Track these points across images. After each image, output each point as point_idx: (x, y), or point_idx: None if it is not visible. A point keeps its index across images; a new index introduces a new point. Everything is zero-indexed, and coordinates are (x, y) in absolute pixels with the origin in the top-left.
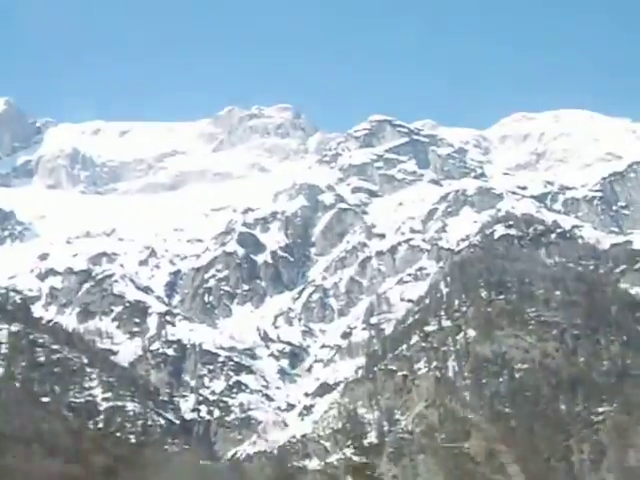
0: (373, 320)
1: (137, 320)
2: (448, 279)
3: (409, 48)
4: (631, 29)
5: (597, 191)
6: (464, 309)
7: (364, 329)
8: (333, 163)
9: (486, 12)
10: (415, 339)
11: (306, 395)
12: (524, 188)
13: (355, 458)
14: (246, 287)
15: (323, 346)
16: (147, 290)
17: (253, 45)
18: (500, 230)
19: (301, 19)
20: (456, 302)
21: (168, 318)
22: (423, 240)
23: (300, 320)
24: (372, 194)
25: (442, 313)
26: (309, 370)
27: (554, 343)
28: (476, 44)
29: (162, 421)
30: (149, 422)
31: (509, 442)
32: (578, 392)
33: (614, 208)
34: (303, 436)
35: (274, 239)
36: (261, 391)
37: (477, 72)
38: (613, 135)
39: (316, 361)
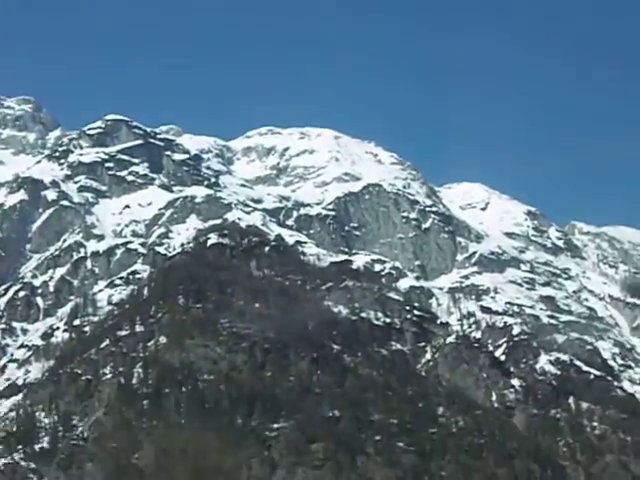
0: (76, 322)
1: None
2: (153, 284)
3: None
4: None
5: (331, 210)
6: (160, 315)
7: (66, 330)
8: (63, 160)
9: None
10: (106, 343)
11: None
12: (259, 201)
13: (23, 464)
14: None
15: (21, 346)
16: None
17: None
18: (213, 238)
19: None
20: (153, 308)
21: None
22: (141, 244)
23: (2, 318)
24: (100, 194)
25: (138, 318)
26: (2, 370)
27: (243, 356)
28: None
29: None
30: None
31: (179, 455)
32: (257, 407)
33: (346, 228)
34: None
35: None
36: None
37: (227, 82)
38: (355, 157)
39: (10, 361)
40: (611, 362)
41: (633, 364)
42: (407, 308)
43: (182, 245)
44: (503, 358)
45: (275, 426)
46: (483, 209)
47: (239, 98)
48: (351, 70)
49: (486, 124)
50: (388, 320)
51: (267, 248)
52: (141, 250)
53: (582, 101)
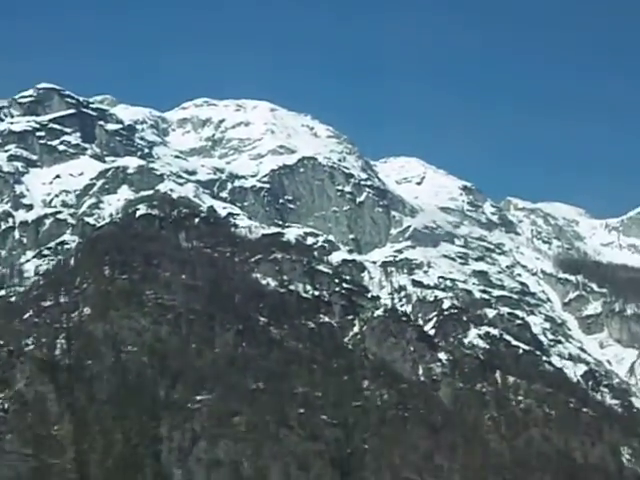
0: (2, 292)
1: None
2: (79, 255)
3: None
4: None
5: (266, 182)
6: (85, 286)
7: None
8: None
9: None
10: (29, 314)
11: None
12: (193, 173)
13: None
14: None
15: None
16: None
17: None
18: (142, 209)
19: None
20: (78, 279)
21: None
22: (71, 215)
23: None
24: (30, 164)
25: (62, 289)
26: None
27: (168, 327)
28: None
29: None
30: None
31: (96, 427)
32: (181, 378)
33: (280, 201)
34: None
35: None
36: None
37: (164, 54)
38: (291, 130)
39: None
40: (541, 337)
41: (563, 339)
42: (336, 281)
43: (111, 216)
44: (433, 332)
45: (198, 398)
46: (419, 183)
47: (176, 70)
48: (288, 43)
49: (423, 99)
50: (317, 293)
51: (197, 220)
52: (70, 220)
53: (520, 78)
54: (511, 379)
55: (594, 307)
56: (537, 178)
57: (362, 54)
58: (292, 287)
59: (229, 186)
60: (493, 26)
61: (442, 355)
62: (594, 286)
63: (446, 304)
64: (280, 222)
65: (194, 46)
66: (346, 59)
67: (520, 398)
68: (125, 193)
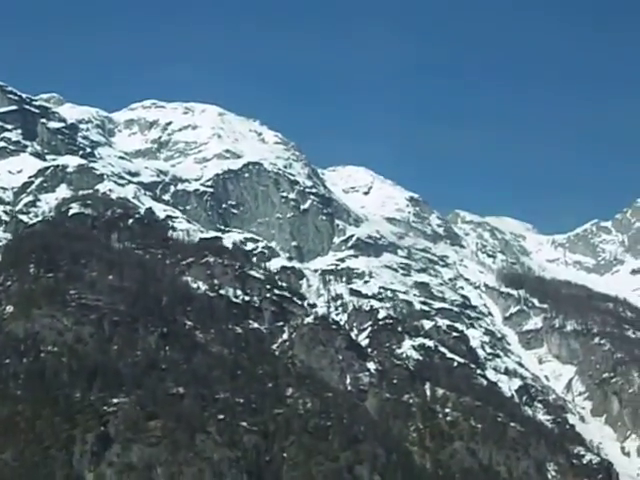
0: None
1: None
2: (7, 253)
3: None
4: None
5: (209, 187)
6: (9, 284)
7: None
8: None
9: None
10: None
11: None
12: (136, 174)
13: None
14: None
15: None
16: None
17: None
18: (75, 208)
19: None
20: (3, 276)
21: None
22: (5, 212)
23: None
24: None
25: None
26: None
27: (90, 328)
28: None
29: None
30: None
31: (11, 426)
32: (99, 380)
33: (223, 206)
34: None
35: None
36: None
37: (112, 54)
38: (238, 135)
39: None
40: (480, 350)
41: (502, 353)
42: (268, 287)
43: (43, 214)
44: (367, 342)
45: (114, 401)
46: (366, 193)
47: (126, 70)
48: (240, 48)
49: (374, 110)
50: (247, 298)
51: (131, 221)
52: (4, 218)
53: (470, 90)
54: (440, 391)
55: (534, 322)
56: (486, 193)
57: (313, 64)
58: (222, 291)
59: (172, 189)
60: (430, 40)
61: (371, 365)
62: (535, 301)
63: (382, 314)
64: (222, 227)
65: (145, 48)
66: (297, 68)
67: (447, 410)
68: (64, 192)
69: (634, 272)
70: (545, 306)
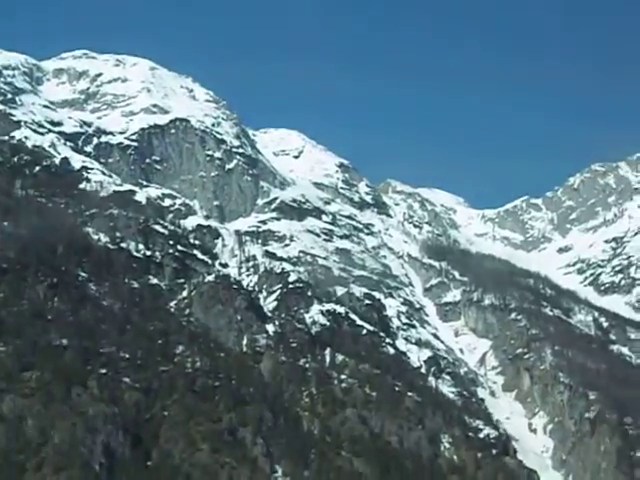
0: None
1: None
2: None
3: None
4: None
5: (134, 141)
6: None
7: None
8: None
9: None
10: None
11: None
12: (58, 124)
13: None
14: None
15: None
16: None
17: None
18: None
19: None
20: None
21: None
22: None
23: None
24: None
25: None
26: None
27: None
28: None
29: None
30: None
31: None
32: None
33: (147, 161)
34: None
35: None
36: None
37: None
38: (169, 90)
39: None
40: (395, 320)
41: (418, 324)
42: (171, 243)
43: None
44: (274, 304)
45: None
46: (296, 157)
47: (58, 19)
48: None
49: (310, 75)
50: (149, 253)
51: (38, 168)
52: None
53: (409, 56)
54: (340, 357)
55: (453, 295)
56: (420, 163)
57: (254, 27)
58: (124, 245)
59: (95, 141)
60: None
61: (270, 327)
62: (456, 274)
63: (292, 277)
64: (144, 182)
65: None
66: (238, 29)
67: (343, 377)
68: None
69: (561, 250)
70: (465, 279)
